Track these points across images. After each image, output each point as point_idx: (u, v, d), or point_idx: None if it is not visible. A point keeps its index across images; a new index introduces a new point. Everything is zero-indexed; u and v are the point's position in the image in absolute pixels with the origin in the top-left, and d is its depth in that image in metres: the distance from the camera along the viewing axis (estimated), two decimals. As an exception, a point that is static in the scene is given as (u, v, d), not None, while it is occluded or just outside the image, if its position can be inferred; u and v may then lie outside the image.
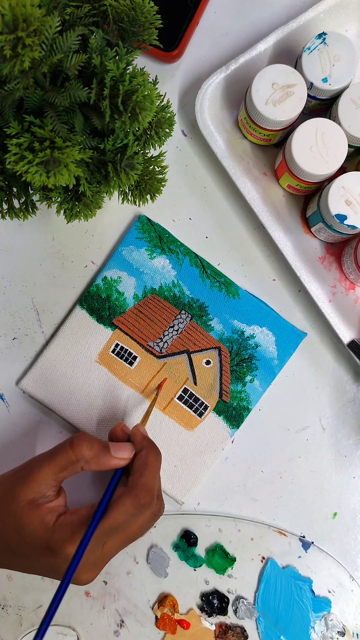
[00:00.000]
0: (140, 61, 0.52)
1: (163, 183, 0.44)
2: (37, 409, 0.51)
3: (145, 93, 0.36)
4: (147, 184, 0.44)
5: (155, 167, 0.44)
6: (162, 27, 0.40)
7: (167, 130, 0.43)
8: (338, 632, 0.50)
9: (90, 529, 0.37)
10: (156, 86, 0.43)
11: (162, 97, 0.43)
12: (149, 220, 0.51)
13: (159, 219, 0.51)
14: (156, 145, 0.43)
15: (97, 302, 0.50)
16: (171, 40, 0.50)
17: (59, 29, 0.34)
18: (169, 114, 0.43)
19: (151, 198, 0.45)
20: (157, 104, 0.42)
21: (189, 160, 0.52)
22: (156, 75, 0.44)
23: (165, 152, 0.45)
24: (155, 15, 0.39)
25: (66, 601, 0.50)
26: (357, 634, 0.50)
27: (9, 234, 0.51)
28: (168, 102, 0.43)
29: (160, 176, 0.44)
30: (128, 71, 0.36)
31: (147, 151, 0.44)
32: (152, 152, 0.45)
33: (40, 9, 0.33)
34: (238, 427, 0.50)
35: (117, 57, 0.36)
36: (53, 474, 0.39)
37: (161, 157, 0.44)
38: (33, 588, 0.50)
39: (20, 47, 0.31)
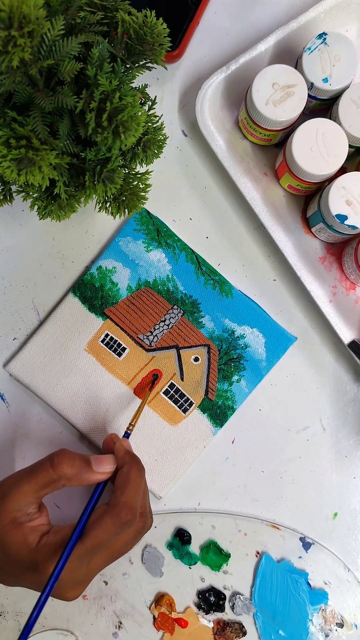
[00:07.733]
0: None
1: (143, 201, 0.43)
2: (37, 409, 0.51)
3: (133, 114, 0.35)
4: (127, 199, 0.43)
5: (140, 183, 0.43)
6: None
7: (155, 151, 0.42)
8: (337, 623, 0.50)
9: (65, 552, 0.37)
10: (154, 106, 0.42)
11: (158, 118, 0.43)
12: (148, 212, 0.51)
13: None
14: (142, 163, 0.43)
15: (90, 290, 0.50)
16: (172, 40, 0.50)
17: (62, 32, 0.34)
18: (160, 136, 0.42)
19: (129, 212, 0.44)
20: (149, 125, 0.41)
21: (189, 160, 0.52)
22: (155, 96, 0.44)
23: (151, 172, 0.44)
24: (166, 38, 0.39)
25: (64, 605, 0.50)
26: (356, 625, 0.50)
27: (9, 234, 0.51)
28: (162, 124, 0.42)
29: (142, 194, 0.43)
30: (120, 89, 0.36)
31: (134, 167, 0.43)
32: (140, 168, 0.45)
33: (44, 9, 0.33)
34: (221, 426, 0.50)
35: (112, 73, 0.36)
36: (33, 492, 0.39)
37: (147, 175, 0.43)
38: (29, 594, 0.50)
39: (11, 45, 0.31)
